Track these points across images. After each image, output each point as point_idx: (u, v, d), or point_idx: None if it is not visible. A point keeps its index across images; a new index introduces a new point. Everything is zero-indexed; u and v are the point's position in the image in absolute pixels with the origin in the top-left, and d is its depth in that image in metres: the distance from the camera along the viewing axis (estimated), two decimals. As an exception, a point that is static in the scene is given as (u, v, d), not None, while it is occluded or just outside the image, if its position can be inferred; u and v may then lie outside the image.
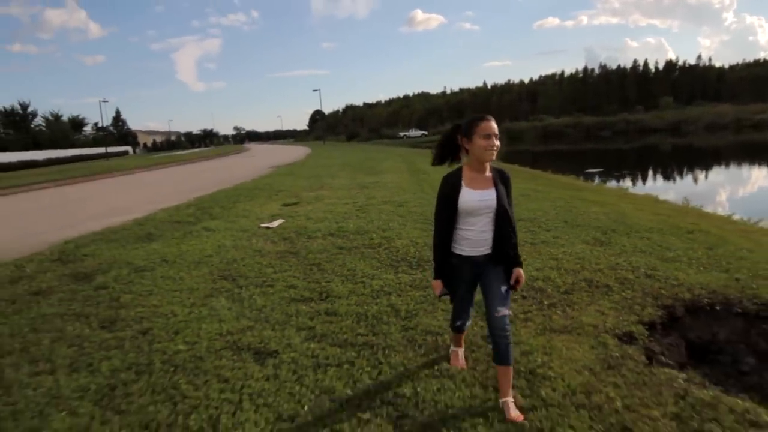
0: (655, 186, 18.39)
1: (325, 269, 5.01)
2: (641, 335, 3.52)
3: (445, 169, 2.67)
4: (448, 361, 2.98)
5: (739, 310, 4.05)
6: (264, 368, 2.98)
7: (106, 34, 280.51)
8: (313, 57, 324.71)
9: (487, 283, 2.56)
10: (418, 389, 2.68)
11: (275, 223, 7.41)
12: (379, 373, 2.87)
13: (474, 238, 2.54)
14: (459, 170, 2.57)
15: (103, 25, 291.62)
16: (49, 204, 13.91)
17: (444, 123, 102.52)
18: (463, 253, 2.58)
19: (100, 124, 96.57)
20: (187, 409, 2.58)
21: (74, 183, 21.07)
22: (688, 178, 21.74)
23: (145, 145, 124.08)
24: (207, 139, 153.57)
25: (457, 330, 2.90)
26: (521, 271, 2.60)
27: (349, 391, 2.69)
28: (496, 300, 2.51)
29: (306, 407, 2.55)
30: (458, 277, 2.65)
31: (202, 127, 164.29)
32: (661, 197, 12.14)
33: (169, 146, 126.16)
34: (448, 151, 2.64)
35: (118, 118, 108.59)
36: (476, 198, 2.49)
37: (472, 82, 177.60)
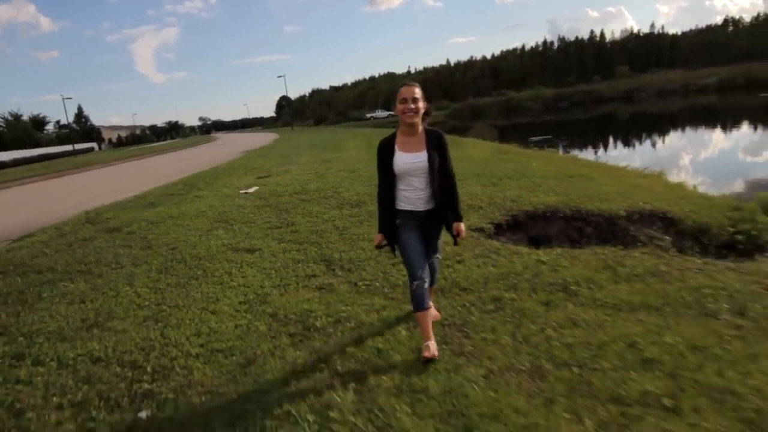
0: (590, 149, 20.81)
1: (290, 212, 7.04)
2: (488, 229, 5.67)
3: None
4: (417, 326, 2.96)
5: (561, 215, 6.25)
6: (253, 255, 5.04)
7: (58, 29, 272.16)
8: (277, 42, 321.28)
9: (428, 237, 2.88)
10: (342, 255, 4.76)
11: (252, 189, 9.37)
12: (321, 251, 4.95)
13: (413, 196, 2.76)
14: (393, 135, 2.81)
15: (54, 19, 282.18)
16: (52, 191, 15.55)
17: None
18: (406, 209, 2.80)
19: (63, 122, 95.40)
20: (211, 271, 4.62)
21: (62, 176, 22.55)
22: (622, 140, 24.35)
23: (109, 140, 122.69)
24: (173, 131, 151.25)
25: (419, 299, 2.71)
26: (461, 225, 2.88)
27: (303, 258, 4.77)
28: (431, 250, 2.94)
29: (279, 264, 4.62)
30: (407, 229, 2.81)
31: (166, 120, 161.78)
32: (587, 157, 14.51)
33: (134, 140, 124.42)
34: None
35: (80, 115, 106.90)
36: (408, 160, 2.70)
37: (438, 59, 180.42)
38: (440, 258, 3.06)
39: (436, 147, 2.73)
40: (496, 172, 9.43)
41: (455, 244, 3.00)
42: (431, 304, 2.91)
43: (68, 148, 71.40)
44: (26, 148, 69.24)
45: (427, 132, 2.78)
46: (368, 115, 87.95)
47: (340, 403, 2.35)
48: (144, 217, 7.71)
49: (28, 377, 2.89)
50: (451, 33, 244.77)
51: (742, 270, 3.89)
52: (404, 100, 2.66)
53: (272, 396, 2.49)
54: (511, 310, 3.25)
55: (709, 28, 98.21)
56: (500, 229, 5.94)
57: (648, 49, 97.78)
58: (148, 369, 2.84)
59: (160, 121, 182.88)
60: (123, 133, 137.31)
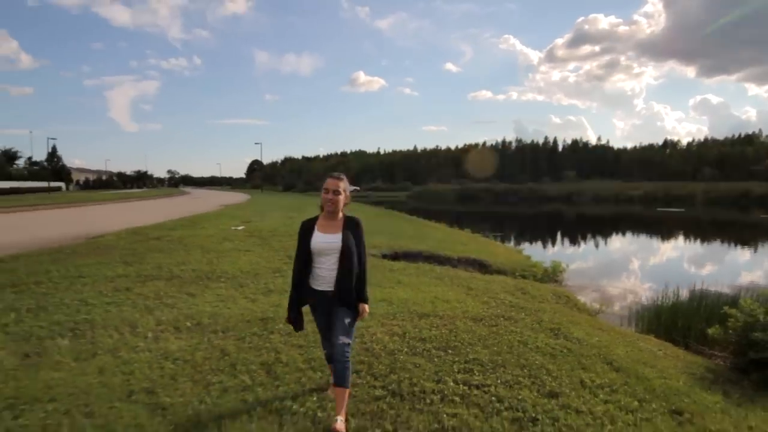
0: (511, 235, 26.24)
1: (269, 239, 11.60)
2: (377, 255, 10.40)
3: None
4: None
5: (423, 255, 11.07)
6: (250, 252, 9.57)
7: (37, 66, 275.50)
8: (255, 107, 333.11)
9: (334, 316, 3.04)
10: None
11: (240, 227, 13.92)
12: (287, 253, 9.52)
13: (325, 275, 3.04)
14: (316, 217, 3.16)
15: (35, 57, 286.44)
16: (73, 217, 19.45)
17: (375, 180, 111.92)
18: (318, 288, 3.07)
19: (30, 156, 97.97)
20: (229, 255, 9.12)
21: (68, 207, 26.48)
22: (538, 231, 30.08)
23: (77, 182, 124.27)
24: (140, 180, 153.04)
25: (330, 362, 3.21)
26: (366, 306, 3.14)
27: (277, 255, 9.34)
28: (339, 330, 2.97)
29: (264, 255, 9.18)
30: (317, 308, 3.14)
31: (135, 168, 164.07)
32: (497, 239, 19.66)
33: (101, 185, 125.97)
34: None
35: (53, 154, 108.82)
36: (323, 240, 3.03)
37: (409, 143, 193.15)
38: (349, 344, 2.98)
39: (353, 232, 3.06)
40: (404, 234, 14.38)
41: (356, 319, 3.12)
42: (340, 416, 2.90)
43: (38, 184, 73.71)
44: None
45: (346, 218, 3.10)
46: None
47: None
48: (171, 234, 12.11)
49: (170, 274, 7.34)
50: (424, 121, 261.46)
51: (492, 278, 8.72)
52: (327, 191, 3.02)
53: (264, 280, 7.03)
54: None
55: (648, 147, 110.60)
56: (385, 257, 10.69)
57: (594, 159, 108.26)
58: (216, 274, 7.34)
59: (127, 168, 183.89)
60: (91, 176, 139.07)
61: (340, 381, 2.90)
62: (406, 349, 4.27)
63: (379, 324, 4.98)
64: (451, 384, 3.58)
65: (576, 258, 17.70)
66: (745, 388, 4.59)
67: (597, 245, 22.76)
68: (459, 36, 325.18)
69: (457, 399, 3.36)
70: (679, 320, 7.22)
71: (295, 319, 3.16)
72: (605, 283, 12.46)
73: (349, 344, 2.96)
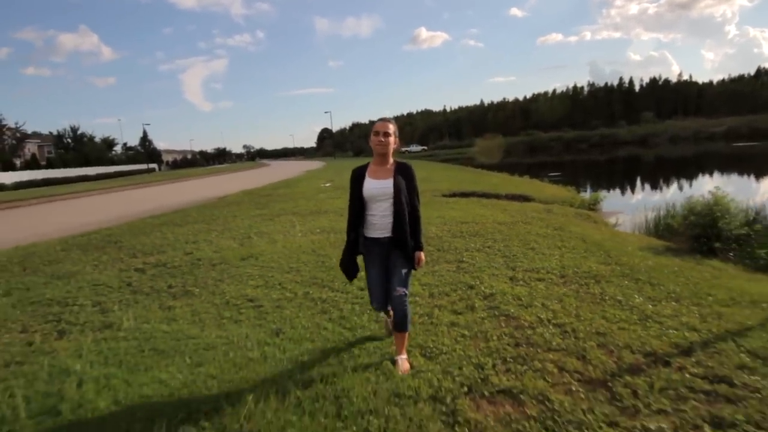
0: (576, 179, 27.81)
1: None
2: (444, 195, 13.10)
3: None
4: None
5: (477, 193, 13.64)
6: (338, 199, 12.59)
7: (117, 57, 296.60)
8: (320, 75, 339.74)
9: (391, 266, 3.08)
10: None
11: (328, 184, 17.09)
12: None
13: (378, 222, 3.06)
14: (366, 164, 3.16)
15: (114, 49, 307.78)
16: (197, 186, 23.68)
17: (443, 139, 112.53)
18: (371, 236, 3.09)
19: (125, 142, 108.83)
20: (323, 201, 12.18)
21: (178, 181, 31.56)
22: (600, 175, 31.26)
23: (167, 162, 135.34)
24: (221, 157, 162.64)
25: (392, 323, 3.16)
26: (422, 254, 3.12)
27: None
28: (396, 280, 3.03)
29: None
30: (369, 260, 3.13)
31: (212, 145, 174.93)
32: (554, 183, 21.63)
33: (187, 164, 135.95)
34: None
35: (145, 138, 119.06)
36: (375, 186, 3.03)
37: (476, 98, 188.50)
38: (407, 293, 3.07)
39: (404, 177, 3.06)
40: (464, 181, 16.93)
41: (414, 269, 3.15)
42: (402, 355, 3.12)
43: (137, 166, 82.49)
44: (103, 165, 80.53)
45: (397, 164, 3.10)
46: (403, 149, 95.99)
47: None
48: (277, 192, 15.44)
49: (292, 212, 10.48)
50: (490, 72, 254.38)
51: (529, 204, 11.20)
52: (377, 133, 3.01)
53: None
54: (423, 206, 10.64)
55: (735, 80, 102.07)
56: (444, 196, 13.34)
57: (675, 96, 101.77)
58: (323, 210, 10.37)
59: (207, 146, 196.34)
60: (177, 156, 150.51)
61: (401, 327, 3.05)
62: (449, 236, 7.04)
63: (434, 227, 7.75)
64: (472, 246, 6.32)
65: (623, 194, 19.39)
66: (680, 253, 6.90)
67: (649, 183, 23.95)
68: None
69: (474, 251, 6.08)
70: (672, 225, 9.36)
71: (348, 267, 3.19)
72: (639, 210, 14.36)
73: (406, 294, 3.04)
